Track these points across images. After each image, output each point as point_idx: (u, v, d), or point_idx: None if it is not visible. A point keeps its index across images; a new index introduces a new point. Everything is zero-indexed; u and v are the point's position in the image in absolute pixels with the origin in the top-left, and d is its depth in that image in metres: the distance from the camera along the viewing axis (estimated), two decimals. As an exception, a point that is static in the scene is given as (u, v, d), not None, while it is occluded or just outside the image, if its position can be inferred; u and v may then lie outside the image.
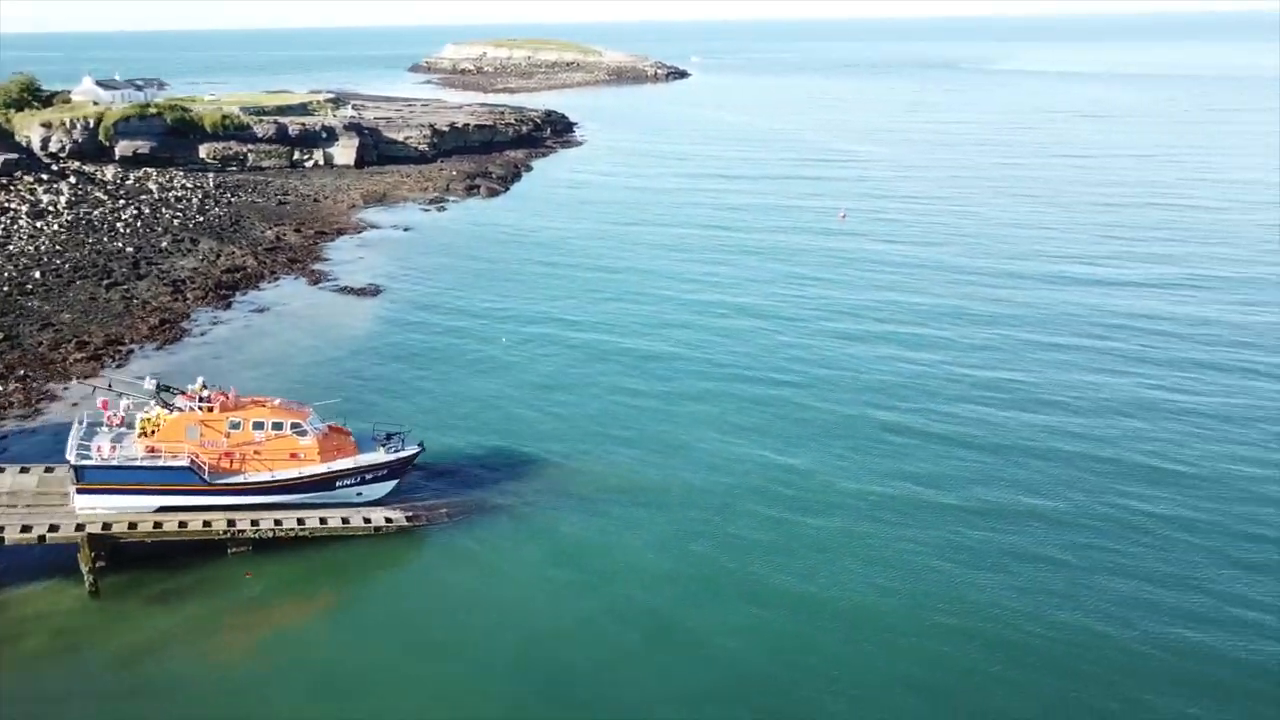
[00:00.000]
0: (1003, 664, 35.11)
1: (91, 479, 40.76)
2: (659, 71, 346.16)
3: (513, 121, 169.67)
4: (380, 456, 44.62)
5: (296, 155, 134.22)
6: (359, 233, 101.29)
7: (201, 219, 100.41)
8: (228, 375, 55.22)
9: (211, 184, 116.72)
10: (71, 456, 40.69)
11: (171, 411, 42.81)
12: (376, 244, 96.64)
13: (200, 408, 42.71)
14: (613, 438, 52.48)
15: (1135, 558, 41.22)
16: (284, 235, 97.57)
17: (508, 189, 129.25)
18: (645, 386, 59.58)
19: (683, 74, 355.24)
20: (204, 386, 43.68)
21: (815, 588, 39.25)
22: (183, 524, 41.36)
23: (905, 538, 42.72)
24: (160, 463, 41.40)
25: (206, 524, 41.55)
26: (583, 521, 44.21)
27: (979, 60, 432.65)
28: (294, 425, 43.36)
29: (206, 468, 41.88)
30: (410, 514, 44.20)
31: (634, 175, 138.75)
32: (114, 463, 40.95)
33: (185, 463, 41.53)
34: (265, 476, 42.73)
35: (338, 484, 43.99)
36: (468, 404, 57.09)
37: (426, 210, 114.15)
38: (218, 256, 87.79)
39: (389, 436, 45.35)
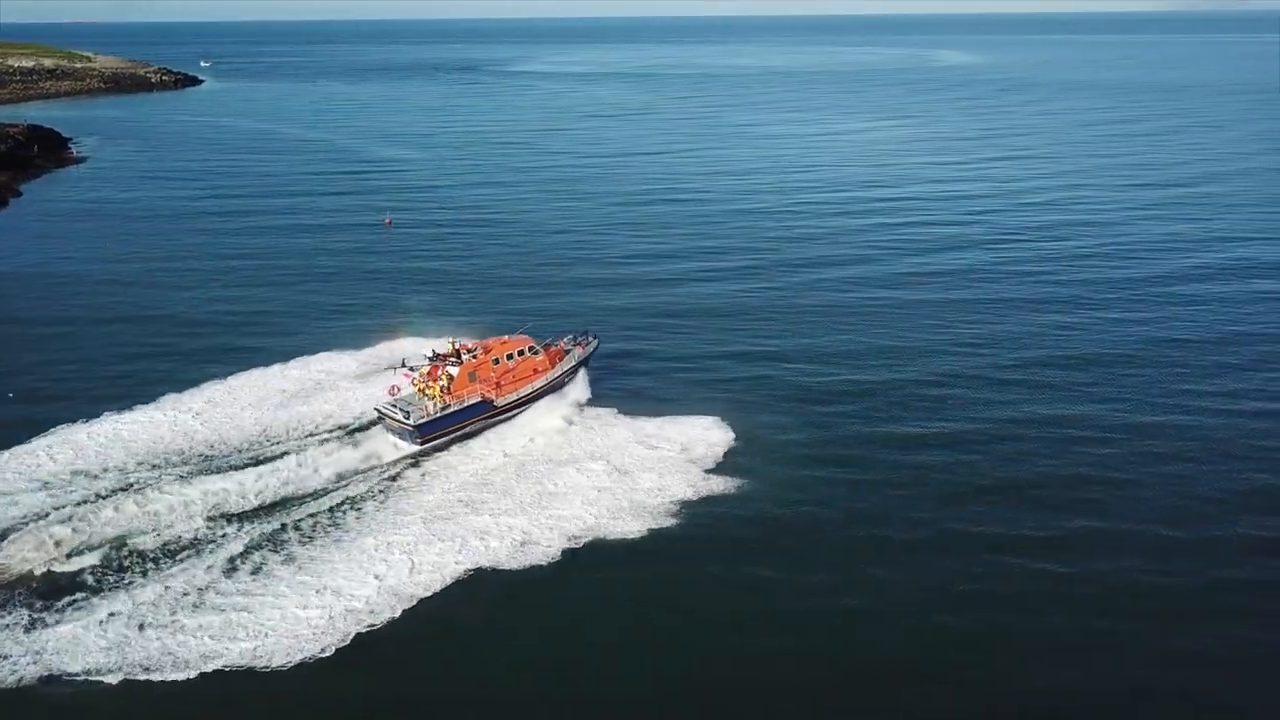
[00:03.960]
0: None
1: (429, 430, 51.86)
2: (165, 78, 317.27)
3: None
4: (579, 353, 59.53)
5: None
6: None
7: None
8: None
9: None
10: (410, 421, 51.09)
11: (450, 367, 54.09)
12: None
13: (469, 358, 54.69)
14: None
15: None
16: None
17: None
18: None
19: (195, 80, 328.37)
20: (452, 343, 56.10)
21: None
22: None
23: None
24: (466, 404, 53.48)
25: None
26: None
27: (499, 62, 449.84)
28: (530, 349, 57.02)
29: (493, 397, 54.46)
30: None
31: (150, 197, 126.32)
32: (437, 416, 52.22)
33: (479, 399, 54.06)
34: (527, 390, 55.87)
35: (566, 381, 57.73)
36: None
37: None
38: None
39: (575, 338, 60.73)
